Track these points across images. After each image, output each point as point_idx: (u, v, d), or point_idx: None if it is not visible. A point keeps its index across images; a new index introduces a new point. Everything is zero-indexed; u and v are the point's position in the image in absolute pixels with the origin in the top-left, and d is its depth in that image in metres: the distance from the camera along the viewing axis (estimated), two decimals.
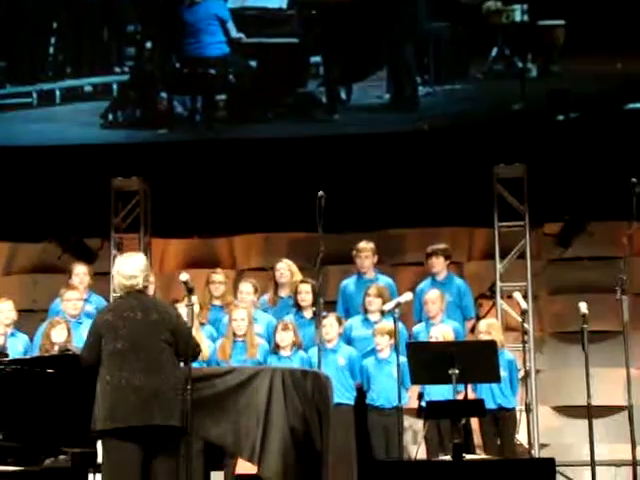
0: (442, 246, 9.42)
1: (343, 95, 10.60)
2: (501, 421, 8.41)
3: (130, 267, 6.25)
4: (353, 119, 10.54)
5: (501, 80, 10.41)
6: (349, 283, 9.36)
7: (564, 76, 10.26)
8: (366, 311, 8.86)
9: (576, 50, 10.23)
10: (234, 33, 10.55)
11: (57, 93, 10.80)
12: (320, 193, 7.82)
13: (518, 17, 10.35)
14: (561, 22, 10.30)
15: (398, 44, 10.58)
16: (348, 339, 8.78)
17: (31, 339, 8.87)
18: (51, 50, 10.91)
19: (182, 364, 6.18)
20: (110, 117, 10.70)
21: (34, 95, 10.83)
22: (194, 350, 6.28)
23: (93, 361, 6.14)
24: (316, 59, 10.69)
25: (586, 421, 7.43)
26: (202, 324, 8.70)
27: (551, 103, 10.33)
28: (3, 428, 6.39)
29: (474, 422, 8.38)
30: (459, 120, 10.32)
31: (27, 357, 7.54)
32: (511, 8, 10.34)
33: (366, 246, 9.28)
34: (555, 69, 10.38)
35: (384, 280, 9.22)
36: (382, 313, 8.71)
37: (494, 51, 10.43)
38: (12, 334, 8.84)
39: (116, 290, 6.47)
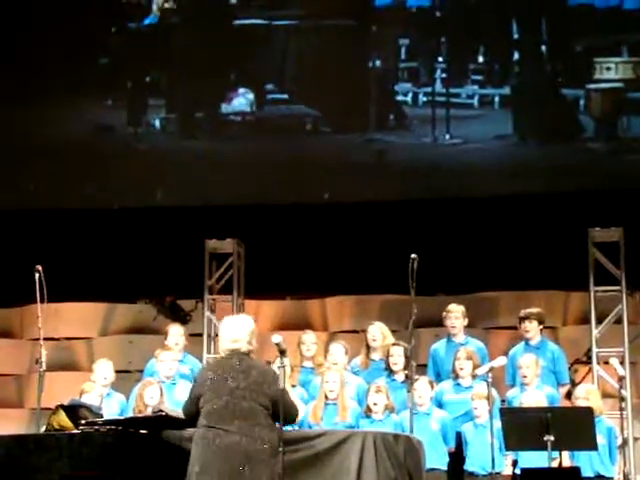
0: (536, 310, 9.30)
1: None
2: None
3: (235, 330, 6.33)
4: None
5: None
6: (439, 347, 9.29)
7: None
8: (456, 375, 8.77)
9: None
10: None
11: None
12: (413, 255, 7.81)
13: None
14: None
15: None
16: (439, 403, 8.69)
17: (126, 400, 8.95)
18: None
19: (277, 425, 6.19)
20: None
21: None
22: (293, 414, 6.30)
23: (191, 417, 6.24)
24: None
25: None
26: (293, 386, 8.69)
27: None
28: None
29: None
30: (556, 183, 10.40)
31: (121, 418, 7.60)
32: None
33: (456, 308, 9.22)
34: None
35: (474, 344, 9.14)
36: (474, 377, 8.61)
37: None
38: (108, 394, 8.94)
39: (220, 350, 6.52)
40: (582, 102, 10.88)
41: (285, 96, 11.42)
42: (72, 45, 11.34)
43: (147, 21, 11.56)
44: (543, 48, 11.06)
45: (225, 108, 11.42)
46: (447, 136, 10.98)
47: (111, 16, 11.54)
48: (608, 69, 10.80)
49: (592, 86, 10.83)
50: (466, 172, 10.70)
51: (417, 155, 10.97)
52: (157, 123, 11.53)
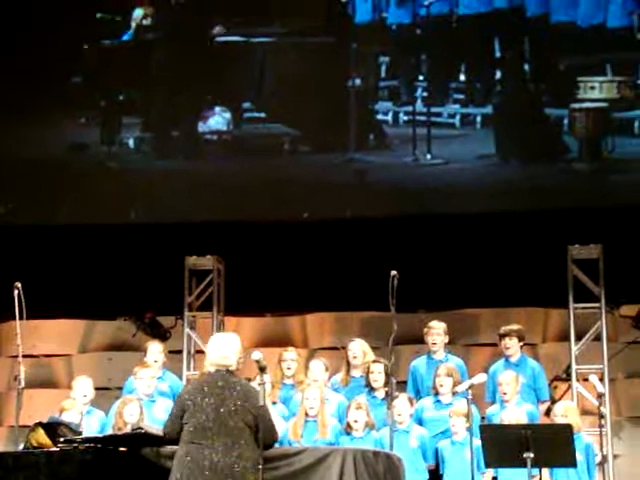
0: (516, 327, 9.32)
1: None
2: None
3: (226, 347, 6.37)
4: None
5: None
6: (419, 363, 9.30)
7: None
8: (437, 392, 8.77)
9: None
10: None
11: None
12: (393, 272, 7.82)
13: None
14: None
15: None
16: (419, 420, 8.69)
17: (106, 417, 8.90)
18: None
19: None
20: None
21: None
22: (272, 438, 6.33)
23: (175, 435, 6.24)
24: None
25: None
26: (274, 403, 8.68)
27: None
28: None
29: None
30: (536, 201, 10.40)
31: (99, 435, 7.56)
32: None
33: (437, 324, 9.24)
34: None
35: (454, 360, 9.15)
36: (454, 394, 8.61)
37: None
38: (88, 411, 8.89)
39: (206, 366, 6.52)
40: (566, 122, 10.77)
41: (263, 115, 11.26)
42: (44, 63, 11.18)
43: (122, 38, 11.42)
44: (526, 67, 10.98)
45: (201, 127, 11.26)
46: (428, 156, 10.84)
47: (84, 33, 11.38)
48: (592, 88, 10.73)
49: (576, 105, 10.74)
50: (447, 192, 10.67)
51: (398, 175, 10.83)
52: (131, 142, 11.35)
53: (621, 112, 10.73)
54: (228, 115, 11.27)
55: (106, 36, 11.44)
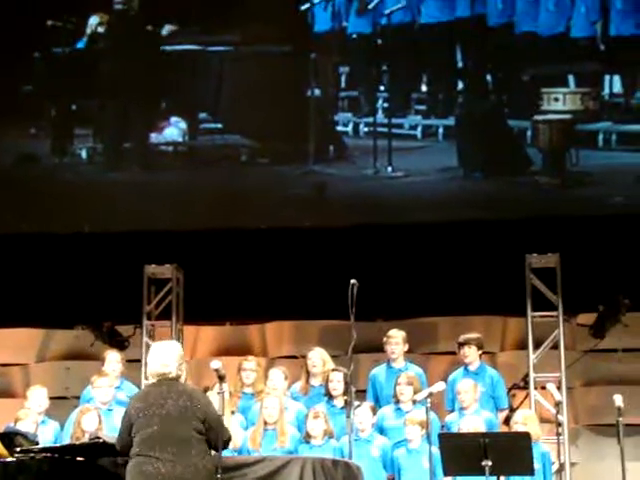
0: (475, 335, 9.36)
1: None
2: None
3: (164, 355, 6.29)
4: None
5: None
6: (379, 372, 9.31)
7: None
8: (397, 400, 8.78)
9: None
10: None
11: None
12: (352, 281, 7.83)
13: None
14: None
15: None
16: (380, 429, 8.69)
17: (62, 426, 8.84)
18: None
19: (213, 452, 6.14)
20: None
21: None
22: (225, 440, 6.26)
23: (126, 448, 6.18)
24: None
25: None
26: (232, 412, 8.65)
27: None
28: None
29: None
30: (493, 210, 10.40)
31: (57, 445, 7.51)
32: None
33: (396, 333, 9.25)
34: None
35: (414, 369, 9.17)
36: (414, 402, 8.63)
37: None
38: (43, 421, 8.83)
39: (149, 377, 6.47)
40: (529, 134, 10.66)
41: (219, 125, 11.07)
42: None
43: (75, 46, 11.15)
44: (488, 77, 10.87)
45: (156, 138, 11.04)
46: (389, 168, 10.71)
47: (35, 40, 11.11)
48: (556, 100, 10.63)
49: (539, 117, 10.63)
50: (409, 204, 10.59)
51: (358, 188, 10.70)
52: (83, 153, 11.12)
53: (585, 124, 10.65)
54: (184, 126, 11.08)
55: (57, 44, 11.19)
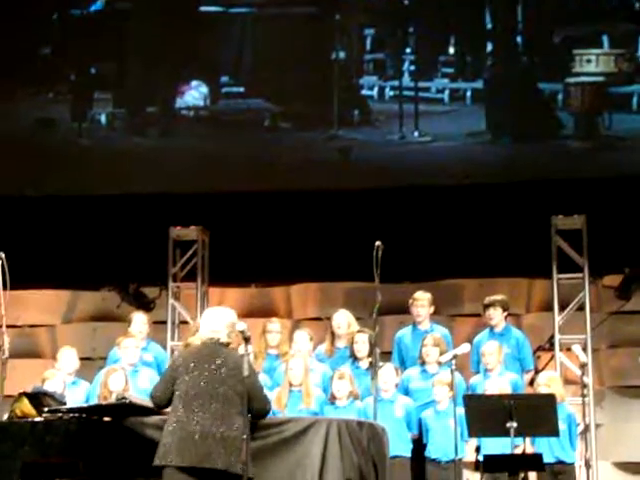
0: (500, 297, 9.35)
1: None
2: (560, 476, 8.28)
3: (215, 321, 6.43)
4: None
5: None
6: (404, 334, 9.31)
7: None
8: (423, 362, 8.80)
9: None
10: None
11: None
12: (377, 243, 7.82)
13: None
14: None
15: None
16: (406, 390, 8.72)
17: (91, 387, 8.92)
18: None
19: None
20: None
21: None
22: (264, 408, 6.38)
23: (165, 401, 6.29)
24: None
25: None
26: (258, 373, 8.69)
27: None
28: (60, 476, 6.43)
29: (532, 476, 8.26)
30: (518, 171, 10.31)
31: (84, 405, 7.57)
32: None
33: (422, 296, 9.24)
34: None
35: (440, 331, 9.17)
36: (439, 364, 8.65)
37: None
38: (73, 382, 8.90)
39: (199, 337, 6.59)
40: (560, 97, 10.46)
41: (241, 89, 10.91)
42: (10, 34, 10.73)
43: (93, 7, 10.98)
44: (518, 39, 10.61)
45: (177, 102, 10.90)
46: (415, 133, 10.58)
47: (52, 2, 10.95)
48: (588, 61, 10.33)
49: (571, 80, 10.40)
50: (435, 169, 10.44)
51: (383, 153, 10.58)
52: (103, 118, 11.02)
53: (619, 87, 10.40)
54: (205, 90, 10.92)
55: (76, 5, 11.02)
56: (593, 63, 10.39)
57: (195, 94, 10.90)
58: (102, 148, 10.90)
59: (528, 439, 7.65)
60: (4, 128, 10.81)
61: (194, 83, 10.91)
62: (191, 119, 11.05)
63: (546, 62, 10.62)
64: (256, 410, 6.29)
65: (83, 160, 10.82)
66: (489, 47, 10.71)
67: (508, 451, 7.31)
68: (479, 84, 10.67)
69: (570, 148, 10.39)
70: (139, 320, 9.38)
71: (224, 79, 11.03)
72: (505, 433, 7.17)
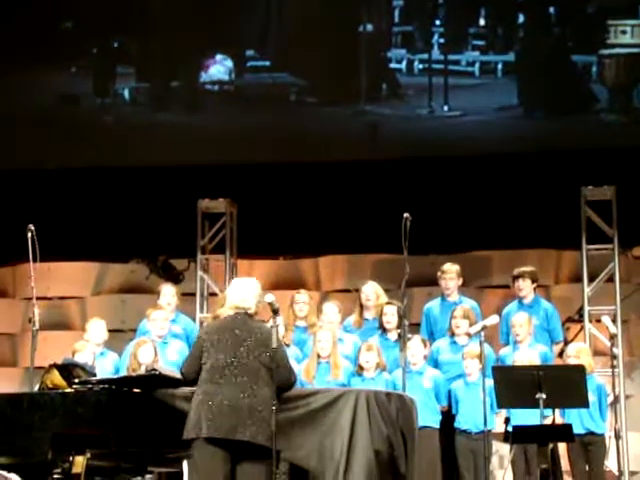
0: (529, 269, 9.30)
1: None
2: (590, 447, 8.27)
3: (245, 290, 6.45)
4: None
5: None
6: (433, 306, 9.30)
7: None
8: (452, 334, 8.79)
9: None
10: None
11: None
12: (405, 215, 7.80)
13: None
14: None
15: None
16: (435, 362, 8.71)
17: (120, 359, 8.97)
18: None
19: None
20: None
21: None
22: (289, 379, 6.38)
23: (194, 375, 6.32)
24: None
25: None
26: (287, 345, 8.71)
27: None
28: (91, 447, 6.48)
29: (562, 447, 8.25)
30: (548, 142, 10.20)
31: (114, 377, 7.62)
32: None
33: (451, 268, 9.21)
34: None
35: (468, 303, 9.15)
36: (468, 336, 8.63)
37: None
38: (102, 353, 8.96)
39: (226, 308, 6.56)
40: (594, 69, 10.25)
41: (267, 63, 10.78)
42: (32, 8, 10.65)
43: None
44: (551, 10, 10.38)
45: (201, 77, 10.79)
46: (445, 107, 10.46)
47: None
48: (623, 32, 10.08)
49: (605, 52, 10.20)
50: (465, 143, 10.26)
51: (412, 128, 10.46)
52: (126, 93, 10.97)
53: None
54: (230, 64, 10.80)
55: None
56: (628, 34, 10.18)
57: (220, 68, 10.82)
58: (127, 123, 10.86)
59: (557, 410, 7.63)
60: (28, 102, 10.78)
61: (219, 57, 10.82)
62: (216, 93, 10.94)
63: (580, 33, 10.40)
64: (282, 382, 6.30)
65: (110, 134, 10.80)
66: (521, 18, 10.51)
67: (537, 422, 7.30)
68: (510, 57, 10.51)
69: (604, 122, 10.22)
70: (168, 292, 9.41)
71: (249, 53, 10.91)
72: (534, 404, 7.16)
